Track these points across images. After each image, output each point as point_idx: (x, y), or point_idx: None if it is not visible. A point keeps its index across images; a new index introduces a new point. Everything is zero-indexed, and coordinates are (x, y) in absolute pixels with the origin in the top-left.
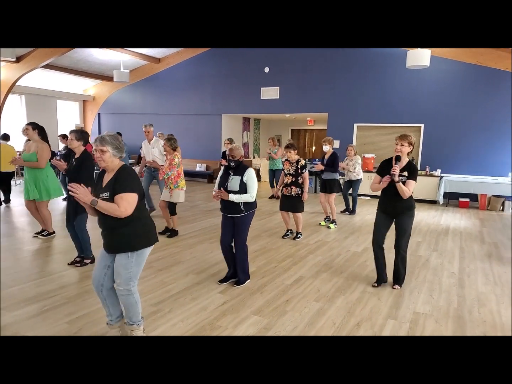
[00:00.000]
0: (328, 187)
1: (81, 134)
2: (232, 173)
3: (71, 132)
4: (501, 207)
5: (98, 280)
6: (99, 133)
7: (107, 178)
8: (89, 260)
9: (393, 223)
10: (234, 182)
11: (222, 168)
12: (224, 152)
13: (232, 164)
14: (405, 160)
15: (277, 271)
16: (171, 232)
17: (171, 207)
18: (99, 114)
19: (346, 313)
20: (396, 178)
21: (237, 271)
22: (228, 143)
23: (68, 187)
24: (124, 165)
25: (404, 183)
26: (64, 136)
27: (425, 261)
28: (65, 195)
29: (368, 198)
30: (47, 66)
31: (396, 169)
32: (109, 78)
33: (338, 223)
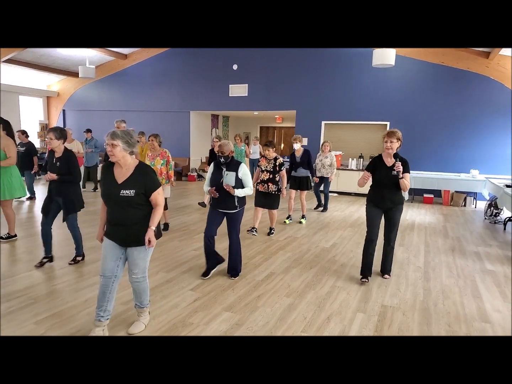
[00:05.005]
0: (301, 184)
1: (60, 132)
2: (225, 169)
3: (50, 131)
4: (463, 203)
5: (112, 271)
6: None
7: (122, 174)
8: (80, 258)
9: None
10: (229, 177)
11: (212, 164)
12: (212, 149)
13: (222, 160)
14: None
15: (248, 267)
16: (164, 226)
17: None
18: (64, 110)
19: (316, 307)
20: (400, 175)
21: (233, 263)
22: (217, 141)
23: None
24: (143, 163)
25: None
26: (23, 133)
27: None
28: (28, 195)
29: (336, 194)
30: (9, 61)
31: (399, 166)
32: (74, 74)
33: (307, 219)
